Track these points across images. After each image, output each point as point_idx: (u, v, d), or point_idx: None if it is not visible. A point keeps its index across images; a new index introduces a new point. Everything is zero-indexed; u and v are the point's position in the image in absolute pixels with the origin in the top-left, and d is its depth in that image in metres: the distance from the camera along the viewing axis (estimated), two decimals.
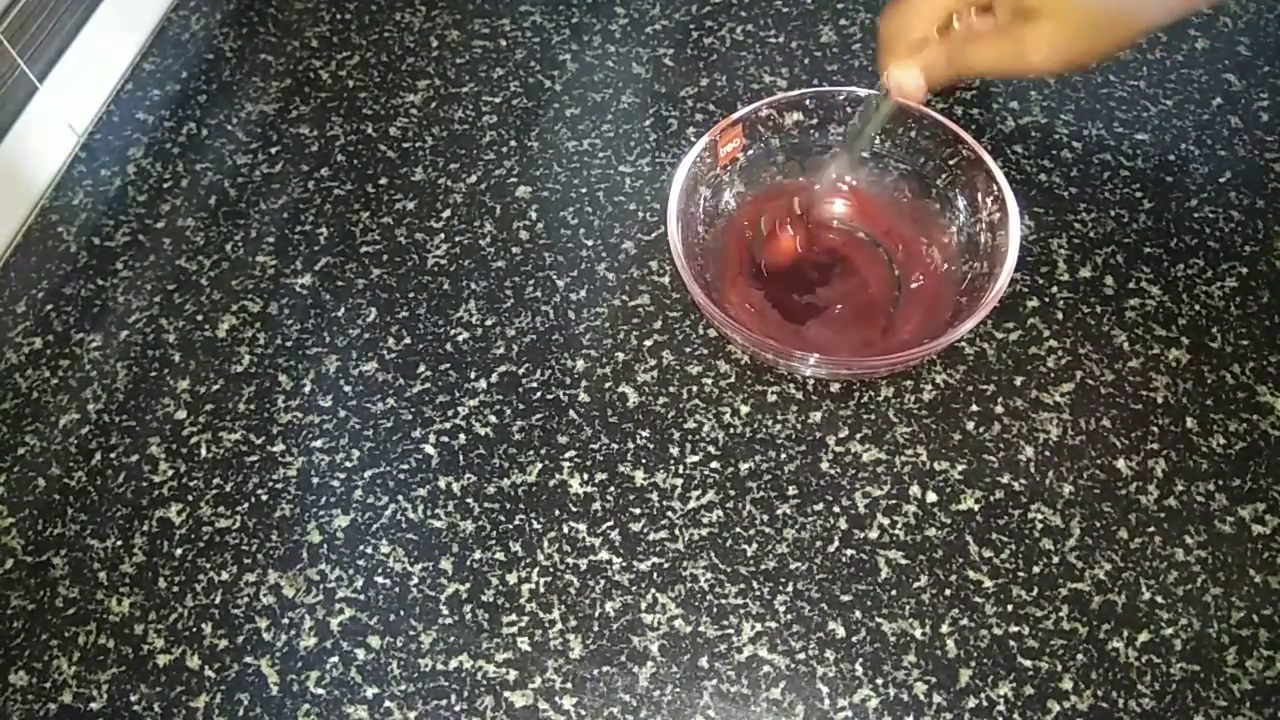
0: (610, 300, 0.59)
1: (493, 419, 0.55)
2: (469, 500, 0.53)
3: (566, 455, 0.54)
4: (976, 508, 0.51)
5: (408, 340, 0.58)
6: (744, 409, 0.54)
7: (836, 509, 0.51)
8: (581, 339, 0.57)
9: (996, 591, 0.49)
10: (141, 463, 0.55)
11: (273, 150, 0.66)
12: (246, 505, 0.53)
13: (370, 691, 0.48)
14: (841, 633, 0.48)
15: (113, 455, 0.55)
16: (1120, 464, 0.52)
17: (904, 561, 0.50)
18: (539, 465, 0.53)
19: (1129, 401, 0.53)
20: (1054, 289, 0.57)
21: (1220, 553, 0.49)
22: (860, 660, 0.48)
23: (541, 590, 0.50)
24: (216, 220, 0.64)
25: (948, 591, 0.49)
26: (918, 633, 0.48)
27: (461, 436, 0.55)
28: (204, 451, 0.55)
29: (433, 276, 0.60)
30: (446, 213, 0.63)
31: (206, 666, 0.49)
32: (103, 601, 0.51)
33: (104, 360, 0.58)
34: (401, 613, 0.50)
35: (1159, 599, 0.48)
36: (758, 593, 0.49)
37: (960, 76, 0.48)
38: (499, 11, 0.72)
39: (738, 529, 0.51)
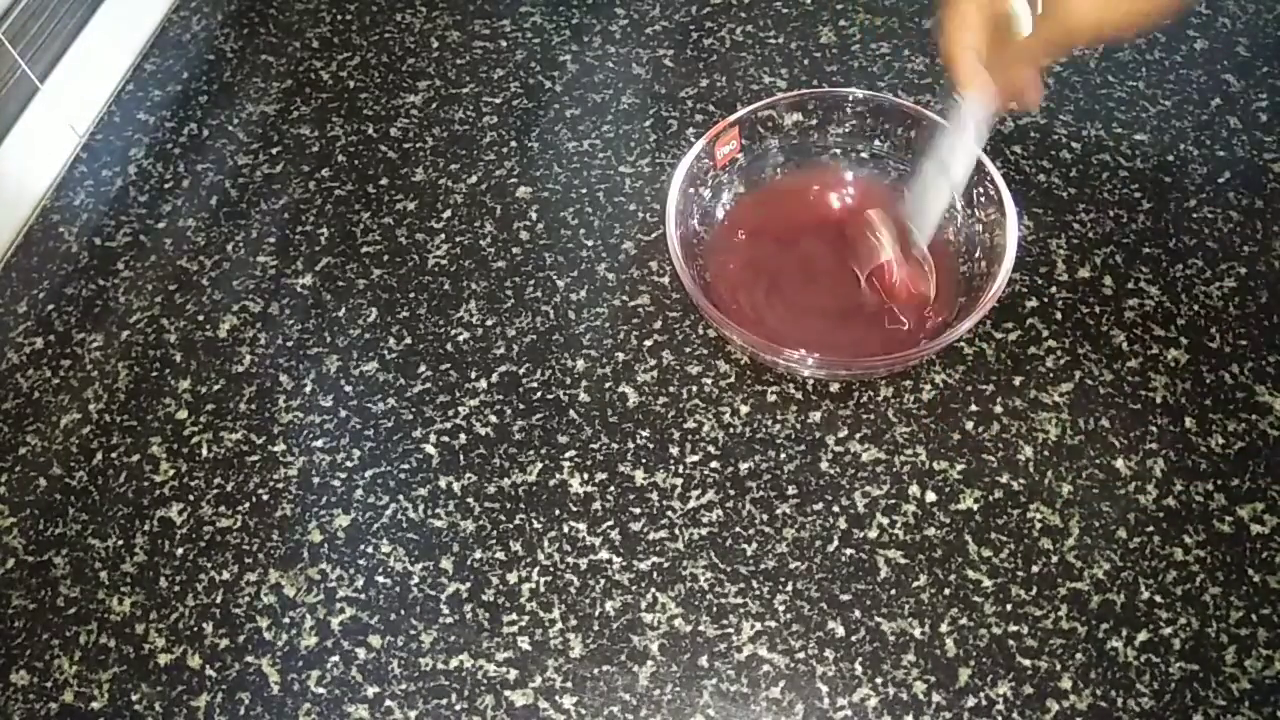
0: (610, 300, 0.59)
1: (493, 419, 0.55)
2: (469, 500, 0.53)
3: (566, 455, 0.54)
4: (975, 507, 0.51)
5: (408, 340, 0.58)
6: (744, 409, 0.54)
7: (836, 509, 0.51)
8: (581, 339, 0.57)
9: (995, 591, 0.49)
10: (143, 462, 0.55)
11: (274, 151, 0.66)
12: (247, 505, 0.53)
13: (371, 690, 0.48)
14: (841, 632, 0.48)
15: (114, 455, 0.55)
16: (1119, 464, 0.52)
17: (903, 561, 0.50)
18: (539, 465, 0.54)
19: (1128, 401, 0.53)
20: (1053, 289, 0.57)
21: (1219, 552, 0.49)
22: (860, 659, 0.48)
23: (542, 590, 0.50)
24: (217, 220, 0.64)
25: (947, 591, 0.49)
26: (917, 632, 0.48)
27: (462, 436, 0.55)
28: (205, 451, 0.55)
29: (433, 277, 0.60)
30: (447, 213, 0.63)
31: (207, 666, 0.49)
32: (104, 601, 0.51)
33: (105, 360, 0.59)
34: (402, 612, 0.50)
35: (1158, 598, 0.48)
36: (757, 592, 0.49)
37: (1029, 72, 0.47)
38: (499, 12, 0.72)
39: (737, 529, 0.51)
